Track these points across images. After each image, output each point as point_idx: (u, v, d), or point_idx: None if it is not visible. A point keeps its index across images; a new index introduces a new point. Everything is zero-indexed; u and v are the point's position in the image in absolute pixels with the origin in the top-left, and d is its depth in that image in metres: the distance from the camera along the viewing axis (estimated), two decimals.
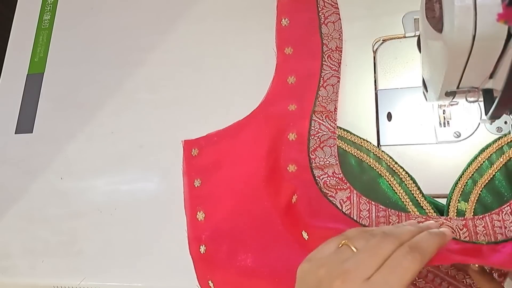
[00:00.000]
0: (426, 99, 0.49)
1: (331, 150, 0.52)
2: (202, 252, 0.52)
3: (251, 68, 0.60)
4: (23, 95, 0.68)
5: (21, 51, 0.71)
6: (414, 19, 0.55)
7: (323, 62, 0.56)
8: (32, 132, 0.65)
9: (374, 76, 0.55)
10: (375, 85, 0.55)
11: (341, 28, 0.58)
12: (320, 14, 0.58)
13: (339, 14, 0.58)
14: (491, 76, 0.37)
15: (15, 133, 0.66)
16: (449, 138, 0.50)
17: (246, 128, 0.56)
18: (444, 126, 0.51)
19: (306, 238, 0.48)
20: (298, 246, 0.48)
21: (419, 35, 0.44)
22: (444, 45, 0.35)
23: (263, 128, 0.55)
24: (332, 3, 0.59)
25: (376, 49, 0.56)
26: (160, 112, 0.61)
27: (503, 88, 0.34)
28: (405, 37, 0.55)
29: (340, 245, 0.36)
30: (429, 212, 0.47)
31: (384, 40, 0.56)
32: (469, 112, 0.50)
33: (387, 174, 0.49)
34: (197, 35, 0.64)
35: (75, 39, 0.69)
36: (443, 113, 0.51)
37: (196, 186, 0.55)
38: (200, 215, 0.54)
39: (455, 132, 0.50)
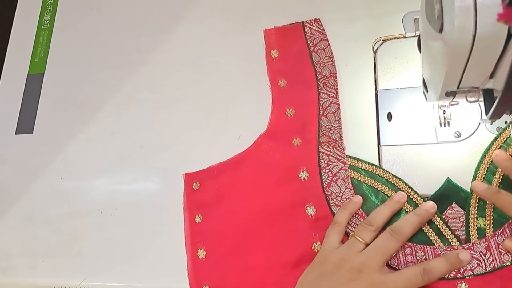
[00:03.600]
0: (426, 99, 0.49)
1: (345, 182, 0.51)
2: None
3: (251, 69, 0.60)
4: (23, 95, 0.68)
5: (21, 52, 0.71)
6: (414, 19, 0.55)
7: (320, 90, 0.55)
8: (32, 133, 0.66)
9: (374, 76, 0.55)
10: (375, 85, 0.55)
11: (332, 54, 0.57)
12: (308, 42, 0.58)
13: (327, 40, 0.58)
14: (491, 76, 0.37)
15: (15, 134, 0.66)
16: (449, 138, 0.50)
17: (248, 162, 0.55)
18: (445, 126, 0.51)
19: None
20: None
21: (419, 35, 0.44)
22: (444, 45, 0.35)
23: (267, 163, 0.54)
24: (319, 30, 0.58)
25: (377, 49, 0.56)
26: (160, 112, 0.61)
27: (503, 88, 0.34)
28: (405, 37, 0.55)
29: (350, 237, 0.47)
30: (452, 241, 0.46)
31: (384, 40, 0.56)
32: (469, 112, 0.50)
33: (405, 205, 0.48)
34: (197, 35, 0.64)
35: (75, 39, 0.70)
36: (443, 113, 0.51)
37: (197, 222, 0.54)
38: (201, 253, 0.52)
39: (455, 132, 0.50)
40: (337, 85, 0.55)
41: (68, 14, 0.72)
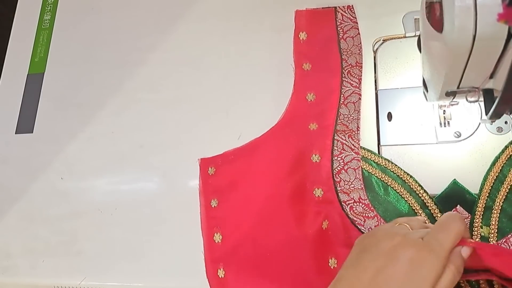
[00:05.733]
0: (426, 99, 0.49)
1: (355, 172, 0.51)
2: (221, 277, 0.51)
3: (251, 68, 0.60)
4: (23, 95, 0.68)
5: (21, 51, 0.71)
6: (415, 19, 0.55)
7: (343, 78, 0.55)
8: (32, 132, 0.65)
9: (375, 76, 0.55)
10: (375, 85, 0.55)
11: (360, 43, 0.56)
12: (338, 28, 0.57)
13: (358, 29, 0.57)
14: (491, 76, 0.37)
15: (15, 133, 0.66)
16: (449, 138, 0.50)
17: (264, 147, 0.55)
18: (445, 126, 0.51)
19: (333, 267, 0.48)
20: (322, 274, 0.47)
21: (419, 35, 0.44)
22: (444, 45, 0.35)
23: (283, 147, 0.54)
24: (351, 17, 0.57)
25: (377, 49, 0.56)
26: (160, 112, 0.61)
27: (504, 88, 0.34)
28: (405, 37, 0.55)
29: (397, 224, 0.42)
30: None
31: (384, 40, 0.56)
32: (469, 112, 0.50)
33: (413, 202, 0.48)
34: (197, 35, 0.64)
35: (75, 39, 0.69)
36: (444, 113, 0.51)
37: (213, 206, 0.54)
38: (217, 237, 0.52)
39: (455, 132, 0.50)
40: (361, 75, 0.55)
41: (68, 13, 0.72)
